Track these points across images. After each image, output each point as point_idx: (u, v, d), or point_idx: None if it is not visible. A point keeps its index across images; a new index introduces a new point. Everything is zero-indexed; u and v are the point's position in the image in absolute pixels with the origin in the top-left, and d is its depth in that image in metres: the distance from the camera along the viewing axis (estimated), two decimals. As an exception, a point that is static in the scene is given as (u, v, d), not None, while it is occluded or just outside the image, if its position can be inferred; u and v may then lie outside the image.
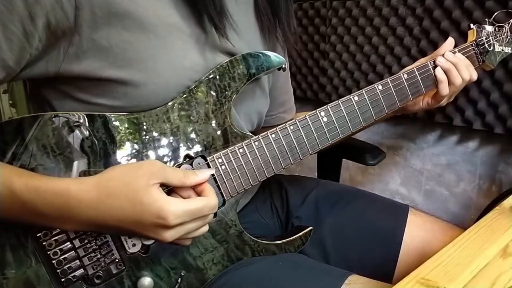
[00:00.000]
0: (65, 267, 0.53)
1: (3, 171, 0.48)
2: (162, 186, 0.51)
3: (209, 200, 0.53)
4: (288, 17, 0.73)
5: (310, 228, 0.70)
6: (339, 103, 0.66)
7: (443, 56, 0.74)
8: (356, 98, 0.67)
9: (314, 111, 0.65)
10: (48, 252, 0.53)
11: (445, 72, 0.74)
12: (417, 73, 0.72)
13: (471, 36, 0.81)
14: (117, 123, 0.56)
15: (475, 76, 0.76)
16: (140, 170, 0.50)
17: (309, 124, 0.65)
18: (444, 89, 0.74)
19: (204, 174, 0.54)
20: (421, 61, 0.78)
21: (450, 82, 0.74)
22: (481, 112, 1.11)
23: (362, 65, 1.36)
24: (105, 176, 0.50)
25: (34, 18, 0.49)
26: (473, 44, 0.79)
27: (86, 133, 0.55)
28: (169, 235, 0.50)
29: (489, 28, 0.81)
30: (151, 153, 0.58)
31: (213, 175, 0.59)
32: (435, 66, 0.74)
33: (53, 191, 0.48)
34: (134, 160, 0.57)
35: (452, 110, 1.18)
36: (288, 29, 0.73)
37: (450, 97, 0.79)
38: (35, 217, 0.49)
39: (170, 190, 0.54)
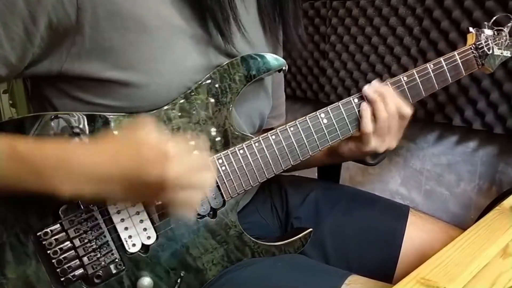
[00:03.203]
0: (65, 266, 0.54)
1: (7, 136, 0.49)
2: None
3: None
4: (296, 20, 0.72)
5: (310, 229, 0.70)
6: (339, 105, 0.67)
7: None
8: (356, 100, 0.68)
9: (314, 112, 0.65)
10: (48, 251, 0.53)
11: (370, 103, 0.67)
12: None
13: (470, 39, 0.81)
14: (117, 124, 0.56)
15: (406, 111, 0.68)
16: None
17: (309, 126, 0.65)
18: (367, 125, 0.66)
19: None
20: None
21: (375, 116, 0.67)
22: (481, 112, 1.11)
23: (361, 65, 1.36)
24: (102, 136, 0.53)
25: (35, 18, 0.49)
26: (472, 48, 0.79)
27: (87, 133, 0.55)
28: (172, 168, 0.48)
29: (488, 31, 0.81)
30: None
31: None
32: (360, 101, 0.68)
33: (53, 146, 0.50)
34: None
35: (451, 110, 1.18)
36: (295, 32, 0.72)
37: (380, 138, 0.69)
38: (33, 176, 0.48)
39: None
